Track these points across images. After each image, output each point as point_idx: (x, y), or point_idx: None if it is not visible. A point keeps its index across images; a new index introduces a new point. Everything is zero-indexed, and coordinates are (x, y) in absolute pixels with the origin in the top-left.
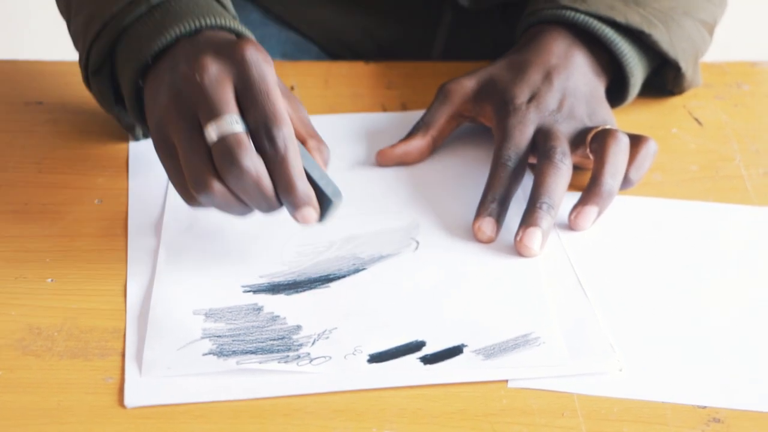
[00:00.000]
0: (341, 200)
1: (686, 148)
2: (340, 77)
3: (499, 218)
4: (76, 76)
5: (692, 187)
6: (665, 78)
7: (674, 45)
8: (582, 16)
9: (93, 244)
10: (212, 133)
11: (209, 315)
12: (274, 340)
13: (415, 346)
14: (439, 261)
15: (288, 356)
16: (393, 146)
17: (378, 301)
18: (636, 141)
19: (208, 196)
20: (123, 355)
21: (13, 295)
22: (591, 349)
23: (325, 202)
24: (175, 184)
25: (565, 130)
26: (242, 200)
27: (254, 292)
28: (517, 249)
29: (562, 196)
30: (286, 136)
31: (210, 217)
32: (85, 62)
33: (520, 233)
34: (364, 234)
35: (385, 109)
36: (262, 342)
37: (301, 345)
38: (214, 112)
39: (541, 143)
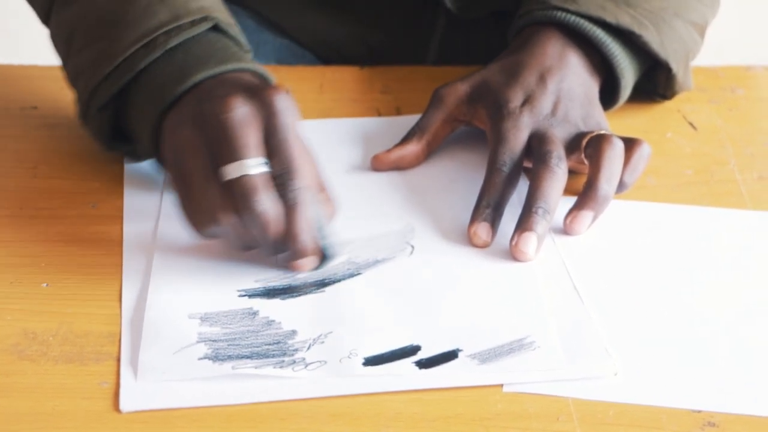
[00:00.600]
0: (335, 258)
1: (681, 152)
2: (335, 82)
3: (494, 223)
4: None
5: (687, 192)
6: (656, 81)
7: (665, 46)
8: (573, 17)
9: (88, 248)
10: (234, 172)
11: (204, 319)
12: (270, 344)
13: (410, 351)
14: (434, 265)
15: (283, 361)
16: (388, 151)
17: (373, 306)
18: (630, 144)
19: (219, 228)
20: (118, 360)
21: (8, 299)
22: (586, 353)
23: (324, 256)
24: (186, 214)
25: (559, 134)
26: (248, 237)
27: (249, 296)
28: (513, 254)
29: (557, 201)
30: (303, 186)
31: None
32: (87, 99)
33: (516, 238)
34: (359, 238)
35: (380, 114)
36: (258, 346)
37: (296, 350)
38: (239, 154)
39: (537, 147)
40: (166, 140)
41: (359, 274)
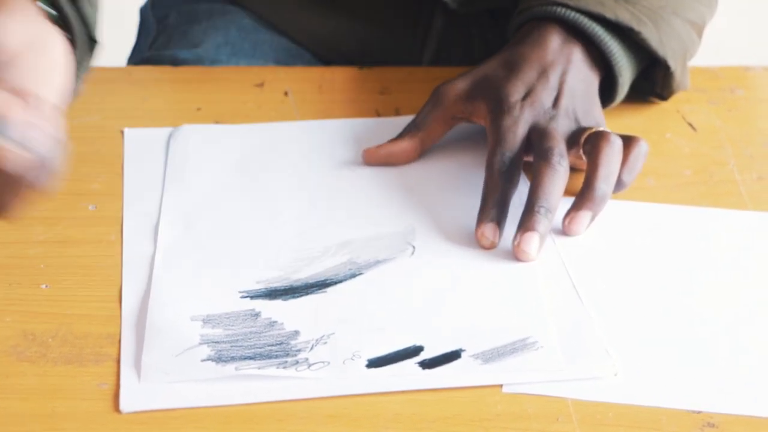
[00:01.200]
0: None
1: (680, 152)
2: (334, 83)
3: (501, 223)
4: None
5: (686, 192)
6: (654, 79)
7: (663, 44)
8: (572, 13)
9: (88, 250)
10: None
11: (207, 321)
12: (273, 345)
13: (413, 351)
14: (436, 266)
15: (286, 362)
16: (379, 146)
17: (375, 306)
18: (627, 142)
19: None
20: (118, 361)
21: (8, 301)
22: (586, 354)
23: None
24: None
25: (560, 128)
26: None
27: (251, 297)
28: (515, 254)
29: (559, 199)
30: None
31: (206, 222)
32: None
33: (518, 237)
34: (360, 239)
35: (379, 114)
36: (261, 348)
37: (299, 350)
38: None
39: (537, 143)
40: None
41: (361, 274)
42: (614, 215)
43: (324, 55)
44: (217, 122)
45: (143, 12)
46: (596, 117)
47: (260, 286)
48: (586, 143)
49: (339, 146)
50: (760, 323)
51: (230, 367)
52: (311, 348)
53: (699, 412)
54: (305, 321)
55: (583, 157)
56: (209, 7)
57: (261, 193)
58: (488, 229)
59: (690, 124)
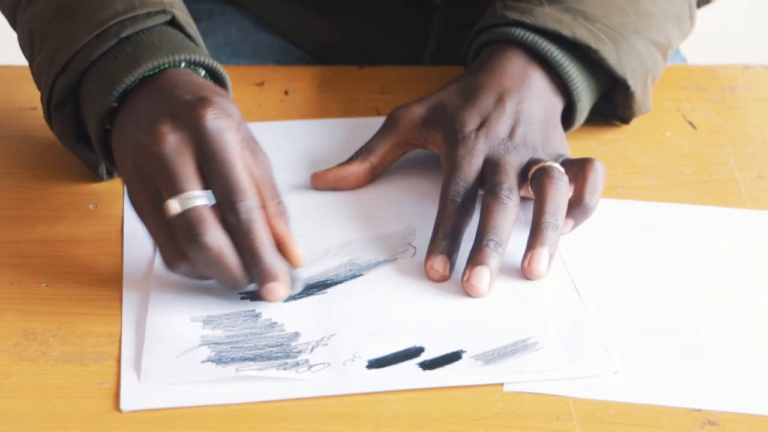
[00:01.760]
0: (300, 282)
1: (680, 151)
2: (334, 82)
3: (452, 255)
4: None
5: (686, 191)
6: (616, 101)
7: (622, 63)
8: (530, 36)
9: (88, 249)
10: (173, 208)
11: (207, 322)
12: (273, 346)
13: (413, 352)
14: None
15: (287, 363)
16: (328, 170)
17: (376, 307)
18: (583, 165)
19: (179, 271)
20: (118, 360)
21: (8, 300)
22: (586, 353)
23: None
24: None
25: (514, 160)
26: (203, 274)
27: (251, 298)
28: (465, 289)
29: (509, 233)
30: (250, 208)
31: None
32: (47, 97)
33: (467, 273)
34: (361, 240)
35: (379, 114)
36: (261, 349)
37: (299, 352)
38: (174, 188)
39: (489, 177)
40: (118, 162)
41: (361, 275)
42: (614, 214)
43: (324, 57)
44: None
45: None
46: (556, 144)
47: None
48: (532, 180)
49: (339, 146)
50: (760, 321)
51: (230, 369)
52: (312, 349)
53: (699, 410)
54: (306, 322)
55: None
56: (209, 8)
57: None
58: (438, 261)
59: (690, 123)
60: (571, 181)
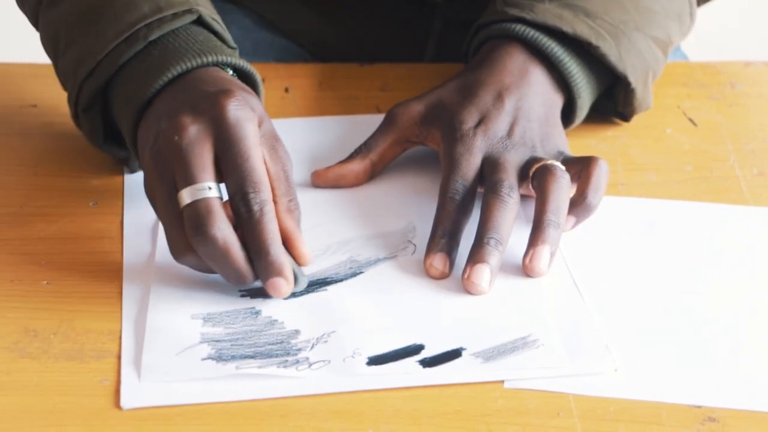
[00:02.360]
0: (304, 281)
1: (680, 148)
2: (335, 79)
3: (451, 253)
4: None
5: (687, 188)
6: (616, 98)
7: (623, 59)
8: (531, 32)
9: (88, 246)
10: (184, 198)
11: (207, 319)
12: (273, 344)
13: (413, 350)
14: None
15: (287, 360)
16: (328, 168)
17: (376, 305)
18: (586, 163)
19: (185, 262)
20: (119, 357)
21: (9, 297)
22: (587, 350)
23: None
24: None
25: (513, 158)
26: (209, 265)
27: (252, 296)
28: (465, 287)
29: (509, 230)
30: (262, 200)
31: None
32: (75, 100)
33: (468, 270)
34: (361, 237)
35: (379, 111)
36: (261, 346)
37: (299, 349)
38: (188, 179)
39: (488, 175)
40: (141, 157)
41: (361, 273)
42: (615, 211)
43: (324, 56)
44: None
45: None
46: (556, 142)
47: (260, 284)
48: (534, 178)
49: (339, 143)
50: (761, 318)
51: (231, 366)
52: (312, 347)
53: (700, 407)
54: (306, 320)
55: (532, 192)
56: None
57: None
58: (437, 259)
59: (690, 120)
60: (573, 178)
